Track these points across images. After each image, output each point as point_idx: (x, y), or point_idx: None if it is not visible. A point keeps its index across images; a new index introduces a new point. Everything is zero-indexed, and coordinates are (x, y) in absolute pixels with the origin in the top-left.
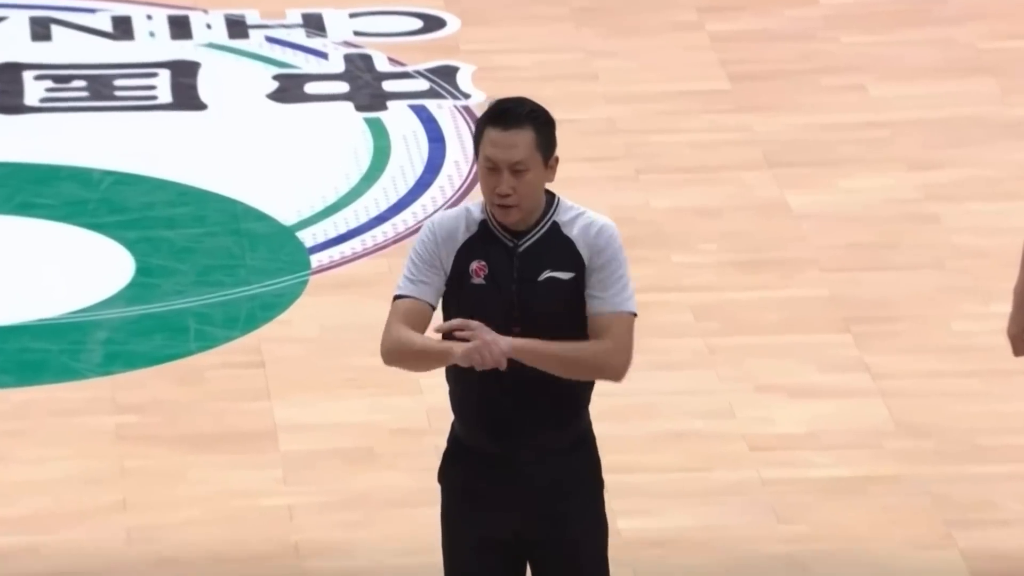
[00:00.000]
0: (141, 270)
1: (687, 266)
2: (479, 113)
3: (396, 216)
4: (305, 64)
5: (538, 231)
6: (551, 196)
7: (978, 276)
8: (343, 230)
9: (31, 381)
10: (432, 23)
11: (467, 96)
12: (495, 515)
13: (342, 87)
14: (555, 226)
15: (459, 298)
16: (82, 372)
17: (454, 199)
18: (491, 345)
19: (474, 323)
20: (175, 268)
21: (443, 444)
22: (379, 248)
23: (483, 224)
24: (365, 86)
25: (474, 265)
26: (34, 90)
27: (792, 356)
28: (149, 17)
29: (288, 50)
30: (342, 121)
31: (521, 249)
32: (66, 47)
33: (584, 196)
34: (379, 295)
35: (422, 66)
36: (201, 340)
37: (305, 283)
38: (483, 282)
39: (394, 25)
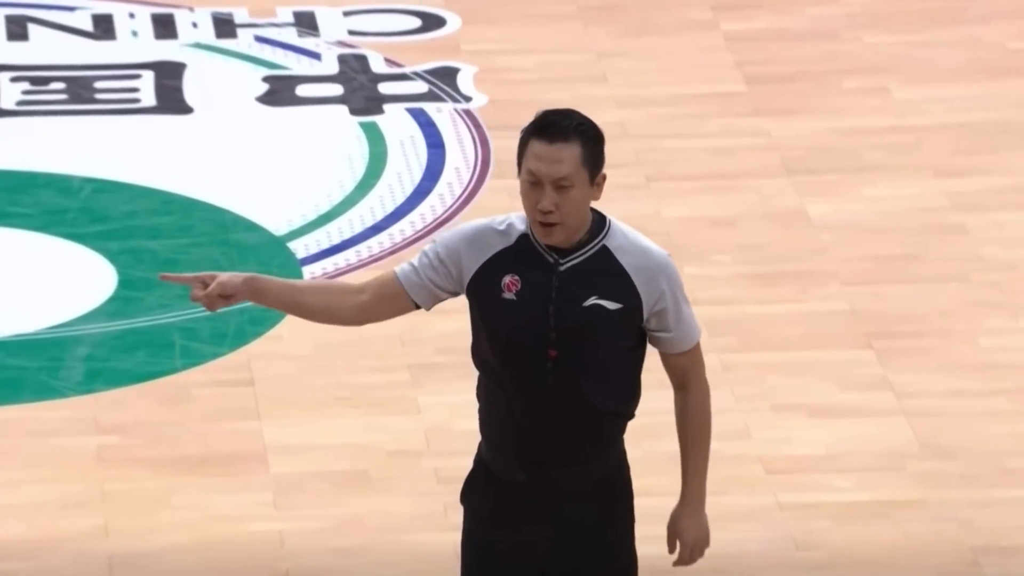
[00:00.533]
0: (124, 283)
1: (701, 279)
2: (480, 117)
3: (393, 226)
4: (297, 65)
5: (586, 252)
6: (601, 217)
7: (1007, 290)
8: (337, 241)
9: (7, 400)
10: (431, 22)
11: (468, 99)
12: (519, 546)
13: (336, 89)
14: (605, 251)
15: (489, 312)
16: (61, 390)
17: (454, 208)
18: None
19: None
20: (159, 281)
21: (442, 467)
22: (375, 260)
23: (524, 238)
24: (360, 88)
25: (507, 279)
26: (10, 93)
27: (811, 374)
28: (132, 15)
29: (279, 50)
30: (336, 125)
31: (563, 268)
32: (44, 47)
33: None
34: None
35: (420, 67)
36: (187, 357)
37: None
38: (514, 297)
39: (391, 24)
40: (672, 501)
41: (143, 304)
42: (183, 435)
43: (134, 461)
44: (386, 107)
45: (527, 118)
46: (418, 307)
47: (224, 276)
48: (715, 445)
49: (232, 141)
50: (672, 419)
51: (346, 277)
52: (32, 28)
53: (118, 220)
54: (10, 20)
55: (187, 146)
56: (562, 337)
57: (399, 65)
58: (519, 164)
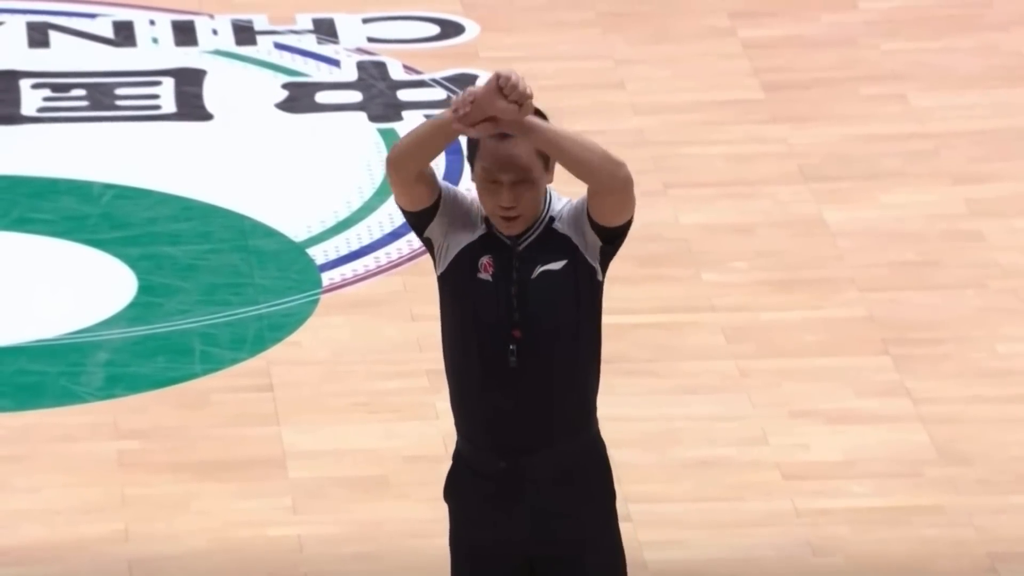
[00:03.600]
0: (144, 289)
1: (718, 285)
2: None
3: (410, 233)
4: (316, 72)
5: (537, 229)
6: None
7: None
8: (355, 247)
9: (29, 405)
10: (450, 29)
11: None
12: (505, 540)
13: (355, 96)
14: (550, 221)
15: (468, 291)
16: (82, 396)
17: None
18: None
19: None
20: (179, 286)
21: None
22: (393, 266)
23: (486, 221)
24: (379, 95)
25: (484, 260)
26: (31, 99)
27: (829, 380)
28: (152, 23)
29: (298, 57)
30: (355, 132)
31: (520, 249)
32: (65, 54)
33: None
34: (393, 315)
35: (439, 74)
36: (206, 362)
37: (316, 302)
38: (489, 279)
39: (410, 31)
40: (689, 508)
41: (163, 310)
42: (202, 440)
43: (154, 466)
44: (405, 114)
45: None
46: (431, 207)
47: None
48: (732, 451)
49: (252, 147)
50: (688, 424)
51: (365, 284)
52: (53, 35)
53: (138, 226)
54: (31, 27)
55: (207, 152)
56: (525, 316)
57: (418, 72)
58: (471, 162)
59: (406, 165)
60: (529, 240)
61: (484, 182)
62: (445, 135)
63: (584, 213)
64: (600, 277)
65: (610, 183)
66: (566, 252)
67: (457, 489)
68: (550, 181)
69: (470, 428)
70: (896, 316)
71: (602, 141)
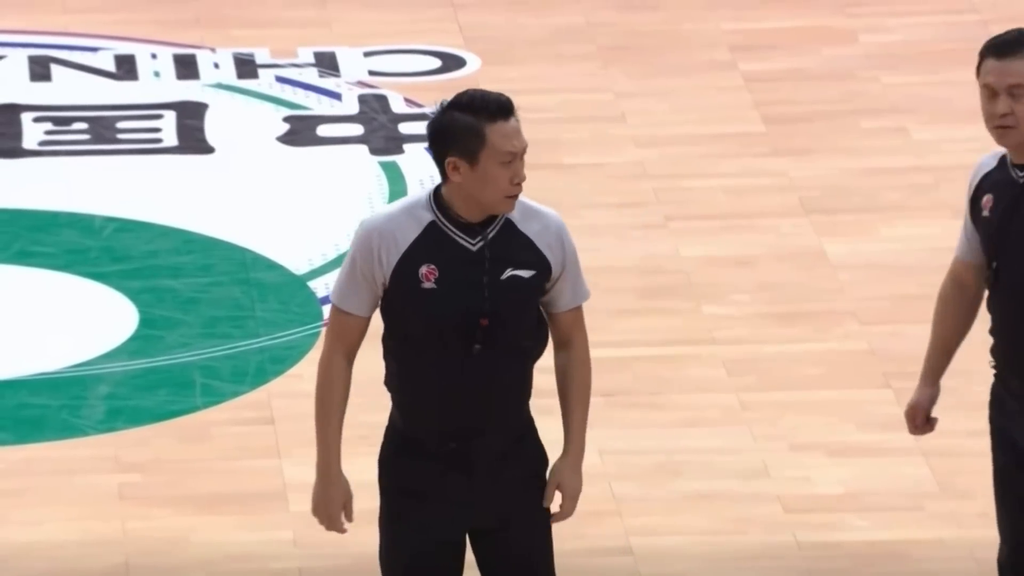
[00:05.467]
0: (145, 322)
1: (719, 318)
2: None
3: None
4: (317, 105)
5: (495, 228)
6: None
7: None
8: None
9: (30, 438)
10: (451, 62)
11: None
12: (449, 511)
13: (356, 129)
14: (509, 223)
15: (408, 302)
16: (83, 429)
17: None
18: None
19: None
20: (180, 319)
21: None
22: None
23: (433, 225)
24: (380, 128)
25: (423, 270)
26: (33, 133)
27: (830, 413)
28: (154, 56)
29: (299, 90)
30: (356, 165)
31: (479, 247)
32: (66, 87)
33: (610, 244)
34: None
35: None
36: (208, 395)
37: (317, 335)
38: (434, 286)
39: (411, 64)
40: (690, 541)
41: (164, 343)
42: (204, 473)
43: (155, 499)
44: (406, 147)
45: (546, 158)
46: (368, 321)
47: None
48: (733, 484)
49: (253, 181)
50: (689, 457)
51: None
52: (55, 69)
53: (139, 259)
54: (33, 61)
55: (208, 185)
56: (493, 308)
57: (419, 105)
58: (472, 155)
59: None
60: (489, 237)
61: (502, 163)
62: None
63: (563, 270)
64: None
65: None
66: (536, 263)
67: (398, 467)
68: None
69: (422, 412)
70: (897, 349)
71: (603, 174)
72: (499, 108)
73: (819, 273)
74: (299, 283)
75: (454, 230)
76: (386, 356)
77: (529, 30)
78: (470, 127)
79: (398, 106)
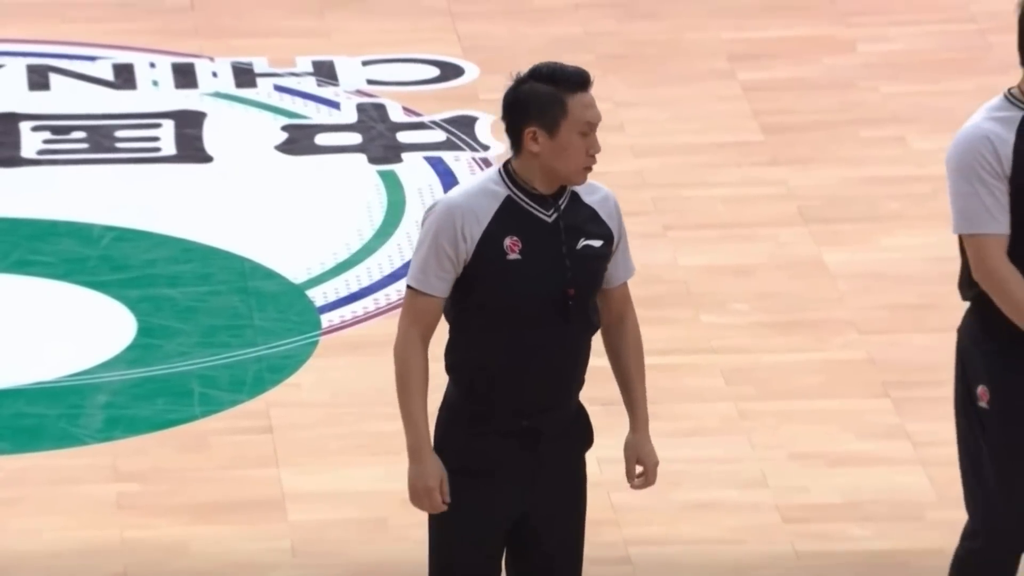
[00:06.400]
0: (143, 330)
1: (718, 327)
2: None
3: None
4: (316, 114)
5: (565, 199)
6: None
7: None
8: (355, 288)
9: (27, 447)
10: (449, 71)
11: (486, 148)
12: (511, 492)
13: (354, 138)
14: (575, 195)
15: (493, 275)
16: (81, 438)
17: None
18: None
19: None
20: (179, 328)
21: None
22: (393, 308)
23: (508, 200)
24: (379, 137)
25: (507, 241)
26: (31, 142)
27: (829, 422)
28: (152, 65)
29: (298, 99)
30: (354, 174)
31: (556, 217)
32: (65, 96)
33: None
34: (392, 357)
35: (439, 116)
36: (206, 404)
37: (315, 344)
38: (519, 257)
39: (409, 73)
40: (689, 550)
41: (162, 352)
42: (202, 483)
43: (153, 509)
44: (404, 156)
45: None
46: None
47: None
48: (732, 493)
49: (251, 190)
50: (687, 467)
51: (365, 326)
52: (53, 78)
53: (138, 268)
54: (31, 70)
55: (207, 195)
56: (576, 276)
57: (417, 114)
58: (556, 123)
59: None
60: (562, 209)
61: (578, 136)
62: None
63: (619, 240)
64: None
65: None
66: (602, 234)
67: (462, 447)
68: None
69: (502, 392)
70: (896, 358)
71: (601, 183)
72: (579, 79)
73: (818, 282)
74: (297, 292)
75: (529, 203)
76: (455, 332)
77: (528, 39)
78: (552, 97)
79: (396, 115)
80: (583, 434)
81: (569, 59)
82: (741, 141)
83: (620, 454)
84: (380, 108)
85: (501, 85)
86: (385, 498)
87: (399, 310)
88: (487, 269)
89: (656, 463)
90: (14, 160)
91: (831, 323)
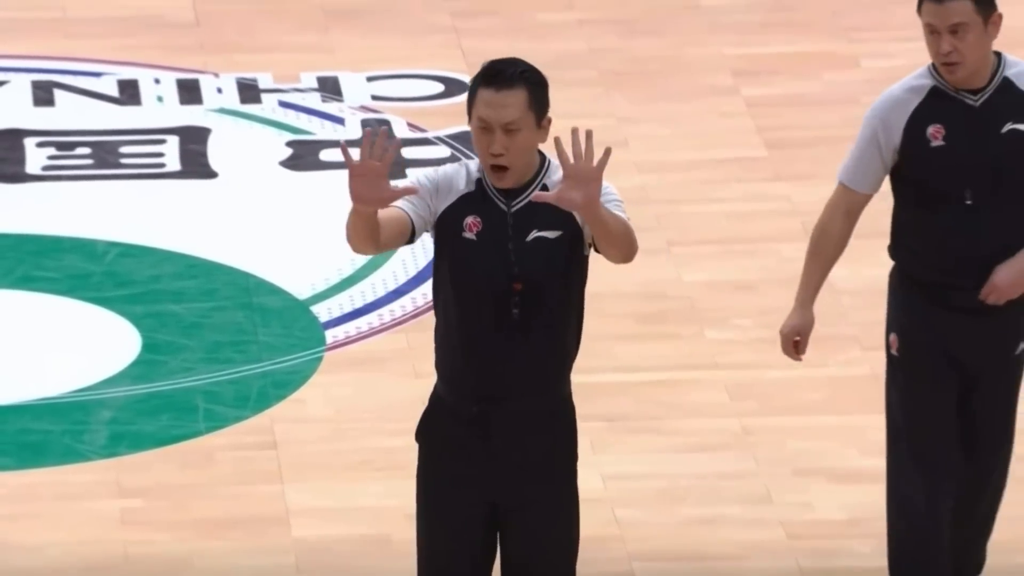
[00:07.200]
0: (147, 346)
1: (722, 343)
2: None
3: (415, 290)
4: (320, 130)
5: (529, 193)
6: (543, 157)
7: None
8: (359, 304)
9: (32, 463)
10: (453, 87)
11: None
12: (468, 476)
13: (359, 154)
14: (544, 189)
15: (452, 250)
16: (85, 454)
17: None
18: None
19: None
20: (183, 344)
21: None
22: (397, 323)
23: (479, 183)
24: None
25: (469, 220)
26: (36, 158)
27: (833, 438)
28: (157, 81)
29: (302, 115)
30: None
31: (514, 210)
32: (70, 112)
33: (612, 269)
34: (397, 372)
35: (443, 132)
36: (210, 420)
37: (320, 360)
38: (474, 238)
39: (414, 89)
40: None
41: (167, 368)
42: (206, 498)
43: (157, 524)
44: (409, 171)
45: (549, 182)
46: (410, 240)
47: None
48: (736, 509)
49: (256, 205)
50: (691, 482)
51: (370, 341)
52: (58, 93)
53: (142, 284)
54: (36, 86)
55: (211, 210)
56: (523, 272)
57: (422, 130)
58: (469, 112)
59: (365, 249)
60: (523, 203)
61: (478, 130)
62: (362, 217)
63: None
64: (587, 252)
65: (619, 260)
66: (562, 223)
67: (429, 428)
68: (543, 140)
69: (453, 373)
70: None
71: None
72: (490, 74)
73: (821, 298)
74: (302, 308)
75: (493, 191)
76: (437, 324)
77: (531, 55)
78: (471, 88)
79: (401, 131)
80: (561, 432)
81: (572, 75)
82: (744, 157)
83: (624, 470)
84: (385, 124)
85: None
86: (389, 514)
87: (404, 325)
88: (446, 241)
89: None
90: (19, 176)
91: (835, 339)
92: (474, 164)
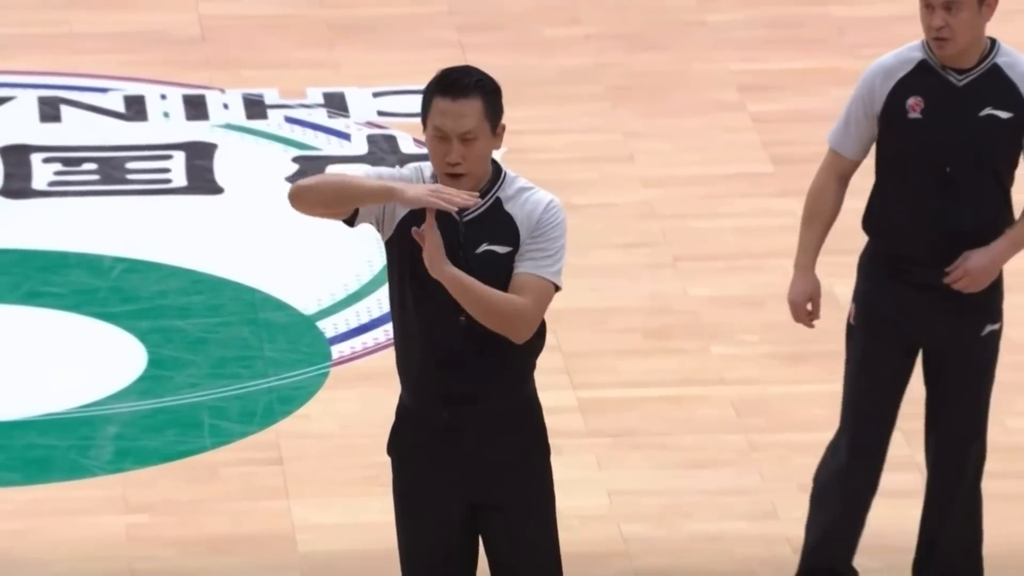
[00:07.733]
0: (153, 362)
1: (728, 358)
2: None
3: None
4: (326, 145)
5: (484, 205)
6: (498, 169)
7: None
8: (365, 320)
9: (38, 479)
10: None
11: None
12: (444, 482)
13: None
14: (498, 201)
15: (409, 259)
16: (91, 469)
17: None
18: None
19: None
20: (189, 360)
21: None
22: None
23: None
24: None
25: (417, 230)
26: (43, 173)
27: None
28: (163, 97)
29: (308, 131)
30: None
31: (465, 220)
32: (76, 128)
33: (619, 284)
34: None
35: None
36: (216, 436)
37: (325, 375)
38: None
39: (420, 105)
40: None
41: (172, 383)
42: (212, 514)
43: (163, 540)
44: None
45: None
46: (348, 222)
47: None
48: (742, 525)
49: (262, 221)
50: (698, 498)
51: (375, 357)
52: (64, 109)
53: (148, 300)
54: (43, 102)
55: (217, 226)
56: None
57: None
58: (424, 120)
59: (310, 212)
60: (475, 214)
61: (434, 139)
62: (382, 198)
63: (529, 240)
64: None
65: (503, 329)
66: (512, 240)
67: (399, 441)
68: (497, 147)
69: (416, 378)
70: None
71: (611, 214)
72: (445, 83)
73: (827, 314)
74: (308, 323)
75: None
76: (394, 330)
77: (537, 71)
78: (426, 96)
79: (407, 146)
80: (531, 430)
81: (578, 90)
82: (750, 172)
83: (630, 486)
84: (391, 139)
85: (510, 117)
86: (395, 530)
87: None
88: (403, 249)
89: None
90: (25, 192)
91: (841, 355)
92: (427, 169)
